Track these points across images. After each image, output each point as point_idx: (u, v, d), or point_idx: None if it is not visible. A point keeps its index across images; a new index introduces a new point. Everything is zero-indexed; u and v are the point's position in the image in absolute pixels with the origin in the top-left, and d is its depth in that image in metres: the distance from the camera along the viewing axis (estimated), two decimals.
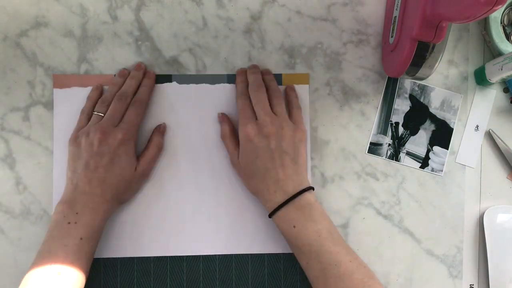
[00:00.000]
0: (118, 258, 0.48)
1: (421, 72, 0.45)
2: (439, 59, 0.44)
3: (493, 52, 0.51)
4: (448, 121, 0.50)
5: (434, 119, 0.50)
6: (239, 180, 0.49)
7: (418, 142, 0.50)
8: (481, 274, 0.51)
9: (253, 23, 0.51)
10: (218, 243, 0.49)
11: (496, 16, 0.49)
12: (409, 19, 0.42)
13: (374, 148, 0.50)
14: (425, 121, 0.49)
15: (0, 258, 0.49)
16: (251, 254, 0.49)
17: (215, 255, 0.49)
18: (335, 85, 0.51)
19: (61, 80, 0.49)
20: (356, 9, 0.51)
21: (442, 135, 0.50)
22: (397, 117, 0.49)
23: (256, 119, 0.45)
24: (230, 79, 0.50)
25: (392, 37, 0.47)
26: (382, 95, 0.49)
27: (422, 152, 0.50)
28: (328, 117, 0.51)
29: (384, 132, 0.50)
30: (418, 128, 0.49)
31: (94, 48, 0.50)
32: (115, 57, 0.50)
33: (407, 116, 0.50)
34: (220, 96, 0.50)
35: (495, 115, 0.52)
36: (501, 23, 0.50)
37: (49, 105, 0.49)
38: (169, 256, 0.49)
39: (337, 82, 0.51)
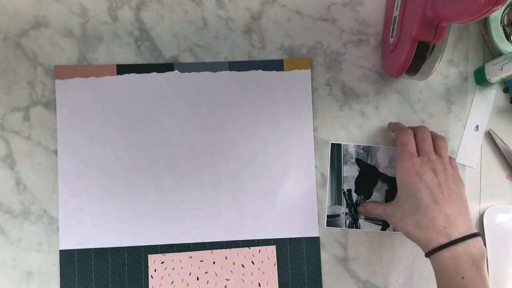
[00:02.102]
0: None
1: (421, 72, 0.45)
2: (439, 59, 0.44)
3: (493, 52, 0.51)
4: None
5: (385, 178, 0.48)
6: (244, 166, 0.50)
7: None
8: None
9: (253, 23, 0.51)
10: (224, 230, 0.50)
11: (496, 16, 0.49)
12: (409, 19, 0.42)
13: (332, 220, 0.48)
14: (376, 182, 0.48)
15: (0, 258, 0.49)
16: (257, 240, 0.50)
17: (222, 241, 0.50)
18: (335, 85, 0.51)
19: (63, 71, 0.49)
20: (356, 9, 0.51)
21: (396, 192, 0.46)
22: (348, 184, 0.48)
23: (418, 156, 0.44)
24: (232, 66, 0.50)
25: (392, 37, 0.47)
26: (329, 165, 0.48)
27: None
28: (328, 117, 0.51)
29: (338, 202, 0.48)
30: (371, 191, 0.48)
31: (94, 48, 0.50)
32: (115, 57, 0.50)
33: (358, 181, 0.48)
34: (222, 84, 0.50)
35: (495, 115, 0.52)
36: (501, 23, 0.50)
37: (49, 105, 0.49)
38: (176, 244, 0.49)
39: (337, 82, 0.51)
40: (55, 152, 0.49)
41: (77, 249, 0.49)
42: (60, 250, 0.49)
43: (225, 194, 0.50)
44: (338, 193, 0.47)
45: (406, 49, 0.42)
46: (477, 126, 0.52)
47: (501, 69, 0.47)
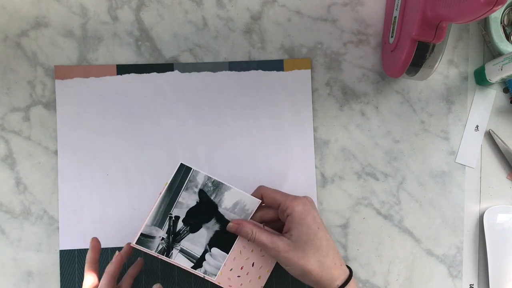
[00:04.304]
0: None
1: (421, 72, 0.45)
2: (439, 59, 0.44)
3: (493, 52, 0.51)
4: None
5: (220, 219, 0.43)
6: (243, 166, 0.50)
7: (197, 241, 0.43)
8: (481, 274, 0.51)
9: (253, 23, 0.51)
10: None
11: (496, 16, 0.49)
12: (409, 19, 0.42)
13: (144, 240, 0.42)
14: (210, 220, 0.43)
15: (0, 258, 0.49)
16: None
17: None
18: (335, 85, 0.51)
19: (63, 71, 0.49)
20: (356, 9, 0.51)
21: (225, 237, 0.44)
22: (179, 211, 0.42)
23: None
24: (232, 66, 0.50)
25: (392, 37, 0.47)
26: (168, 185, 0.41)
27: (198, 251, 0.44)
28: (328, 117, 0.51)
29: (160, 225, 0.42)
30: (200, 225, 0.43)
31: (94, 48, 0.50)
32: (115, 57, 0.50)
33: (191, 211, 0.43)
34: (222, 84, 0.50)
35: (495, 115, 0.52)
36: (501, 23, 0.50)
37: (49, 105, 0.49)
38: None
39: (337, 82, 0.51)
40: (55, 152, 0.49)
41: (77, 249, 0.49)
42: (60, 250, 0.49)
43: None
44: (164, 216, 0.42)
45: (406, 49, 0.42)
46: (477, 126, 0.52)
47: (501, 69, 0.47)
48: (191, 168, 0.41)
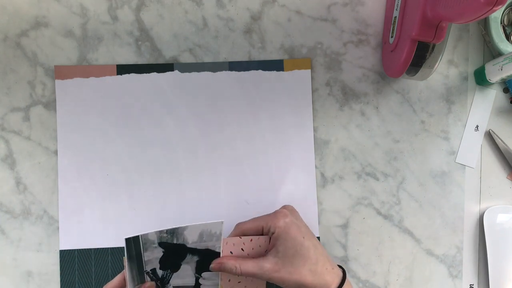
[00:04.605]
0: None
1: (421, 72, 0.45)
2: (439, 59, 0.44)
3: (493, 52, 0.51)
4: (212, 248, 0.44)
5: (195, 251, 0.43)
6: (243, 166, 0.50)
7: (184, 275, 0.43)
8: (481, 274, 0.51)
9: (253, 23, 0.51)
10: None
11: (496, 16, 0.49)
12: (409, 19, 0.42)
13: None
14: (185, 257, 0.43)
15: (0, 258, 0.49)
16: None
17: None
18: (335, 85, 0.51)
19: (63, 71, 0.49)
20: (356, 9, 0.51)
21: (209, 261, 0.43)
22: (151, 265, 0.42)
23: None
24: (232, 66, 0.50)
25: (392, 37, 0.47)
26: (127, 259, 0.40)
27: (191, 281, 0.44)
28: (328, 117, 0.51)
29: (141, 281, 0.42)
30: (180, 264, 0.43)
31: (94, 48, 0.50)
32: (115, 57, 0.50)
33: (163, 260, 0.42)
34: (222, 84, 0.50)
35: (495, 115, 0.52)
36: (501, 23, 0.50)
37: (49, 105, 0.49)
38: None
39: (337, 82, 0.51)
40: (55, 152, 0.49)
41: (77, 249, 0.49)
42: (60, 250, 0.49)
43: (225, 194, 0.50)
44: (140, 275, 0.42)
45: (406, 49, 0.42)
46: (477, 126, 0.52)
47: (501, 69, 0.47)
48: (138, 236, 0.40)
